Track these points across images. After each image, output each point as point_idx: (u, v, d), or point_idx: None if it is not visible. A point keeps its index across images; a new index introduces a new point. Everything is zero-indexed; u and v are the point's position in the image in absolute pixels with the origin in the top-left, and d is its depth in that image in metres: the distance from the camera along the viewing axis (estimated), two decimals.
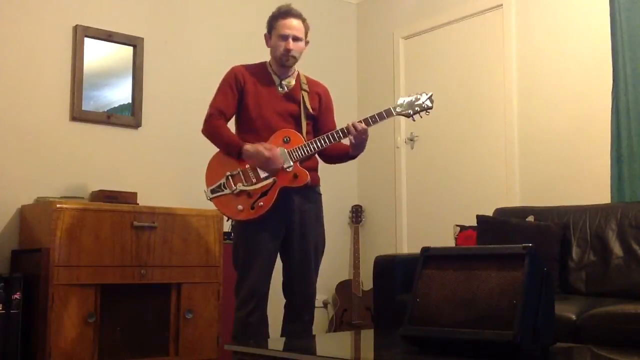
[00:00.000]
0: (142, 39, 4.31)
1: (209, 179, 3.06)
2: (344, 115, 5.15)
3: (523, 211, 3.75)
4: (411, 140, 4.94)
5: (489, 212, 3.83)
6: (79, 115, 4.05)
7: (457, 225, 3.90)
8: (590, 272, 3.37)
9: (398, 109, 3.10)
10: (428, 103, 3.11)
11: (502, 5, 4.45)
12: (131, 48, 4.27)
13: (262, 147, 3.00)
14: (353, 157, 3.24)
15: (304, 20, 3.18)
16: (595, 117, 3.90)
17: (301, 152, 3.05)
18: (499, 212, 3.85)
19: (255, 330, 3.03)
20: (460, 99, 4.66)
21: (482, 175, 4.49)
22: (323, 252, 3.25)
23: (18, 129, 3.86)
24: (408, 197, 4.98)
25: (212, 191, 3.03)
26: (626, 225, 3.35)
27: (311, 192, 3.17)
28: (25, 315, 3.42)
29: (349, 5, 5.45)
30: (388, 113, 3.08)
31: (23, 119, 3.89)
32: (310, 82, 3.27)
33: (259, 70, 3.19)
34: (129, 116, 4.24)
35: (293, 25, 3.12)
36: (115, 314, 3.60)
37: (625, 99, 3.68)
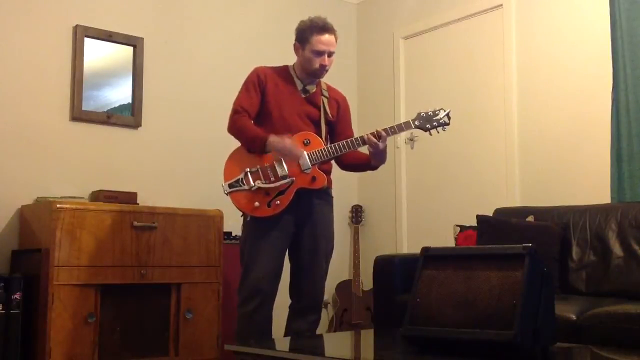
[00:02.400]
0: (142, 39, 4.31)
1: (227, 174, 3.07)
2: None
3: (523, 211, 3.75)
4: (411, 140, 4.94)
5: (489, 212, 3.83)
6: (79, 115, 4.05)
7: (457, 225, 3.90)
8: (590, 272, 3.37)
9: (417, 123, 3.14)
10: (446, 119, 3.16)
11: (502, 5, 4.45)
12: (131, 48, 4.27)
13: (287, 140, 3.02)
14: (374, 168, 3.27)
15: (336, 33, 3.21)
16: (595, 117, 3.90)
17: (320, 155, 3.08)
18: (499, 212, 3.85)
19: (257, 328, 3.04)
20: (460, 99, 4.65)
21: (482, 175, 4.49)
22: (332, 254, 3.29)
23: (18, 129, 3.86)
24: (408, 197, 4.98)
25: (230, 185, 3.04)
26: (626, 225, 3.35)
27: (325, 195, 3.22)
28: (25, 315, 3.41)
29: (349, 5, 5.45)
30: (407, 125, 3.14)
31: (23, 119, 3.89)
32: (330, 89, 3.32)
33: (281, 73, 3.23)
34: (129, 116, 4.24)
35: (330, 41, 3.17)
36: (115, 314, 3.60)
37: (625, 99, 3.69)
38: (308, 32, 3.16)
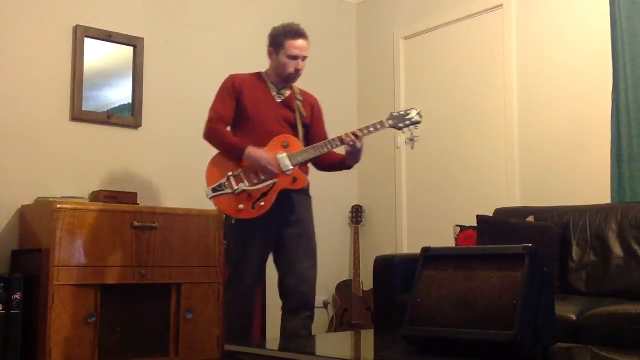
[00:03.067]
0: (142, 39, 4.31)
1: (210, 179, 3.15)
2: (344, 115, 5.18)
3: (523, 211, 3.75)
4: (411, 140, 4.94)
5: (489, 212, 3.83)
6: (79, 115, 4.05)
7: (457, 225, 3.90)
8: (590, 272, 3.37)
9: (390, 122, 3.27)
10: (417, 118, 3.28)
11: (502, 5, 4.45)
12: (131, 48, 4.27)
13: (264, 153, 3.13)
14: (349, 167, 3.39)
15: (308, 38, 3.30)
16: (595, 117, 3.90)
17: (300, 157, 3.18)
18: (499, 212, 3.85)
19: (243, 323, 3.20)
20: (460, 99, 4.66)
21: (482, 175, 4.49)
22: (316, 251, 3.33)
23: (18, 129, 3.86)
24: (408, 197, 4.98)
25: (213, 190, 3.12)
26: (626, 225, 3.35)
27: (303, 195, 3.30)
28: (25, 315, 3.41)
29: (349, 5, 5.45)
30: (381, 125, 3.25)
31: (23, 119, 3.89)
32: (302, 93, 3.42)
33: (255, 79, 3.34)
34: (129, 116, 4.24)
35: (303, 46, 3.26)
36: (115, 314, 3.60)
37: (625, 99, 3.68)
38: (282, 37, 3.25)
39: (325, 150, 3.20)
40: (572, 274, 3.42)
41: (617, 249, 3.33)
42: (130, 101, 4.25)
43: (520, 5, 4.37)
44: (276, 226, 3.21)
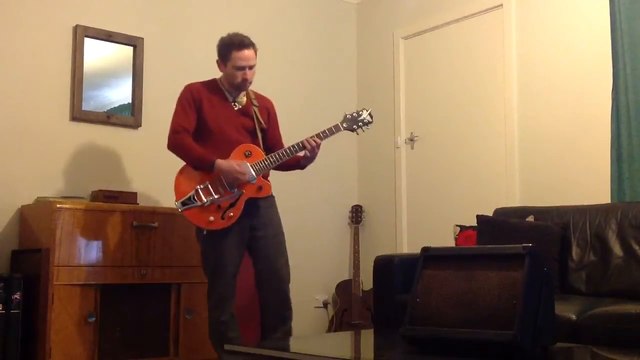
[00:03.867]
0: (142, 39, 4.31)
1: (178, 192, 3.23)
2: (344, 115, 5.17)
3: (523, 211, 3.75)
4: (411, 140, 4.94)
5: (489, 212, 3.83)
6: (79, 115, 4.05)
7: (457, 225, 3.90)
8: (590, 272, 3.37)
9: (345, 125, 3.42)
10: (368, 118, 3.44)
11: (502, 5, 4.45)
12: (131, 48, 4.27)
13: (234, 163, 3.22)
14: (302, 167, 3.50)
15: (254, 46, 3.36)
16: (595, 117, 3.90)
17: (264, 166, 3.29)
18: (499, 212, 3.85)
19: (228, 327, 3.27)
20: (460, 99, 4.66)
21: (482, 175, 4.49)
22: (285, 248, 3.43)
23: (18, 129, 3.86)
24: (408, 197, 4.98)
25: (183, 203, 3.20)
26: (626, 225, 3.34)
27: (269, 198, 3.39)
28: (25, 315, 3.41)
29: (349, 5, 5.45)
30: (337, 128, 3.39)
31: (23, 119, 3.88)
32: (258, 97, 3.50)
33: (212, 88, 3.41)
34: (129, 116, 4.24)
35: (250, 56, 3.33)
36: (115, 314, 3.60)
37: (625, 99, 3.68)
38: (227, 48, 3.33)
39: (287, 157, 3.31)
40: (572, 274, 3.42)
41: (617, 249, 3.33)
42: (130, 101, 4.25)
43: (520, 5, 4.37)
44: (246, 232, 3.30)
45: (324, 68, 5.11)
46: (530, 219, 3.63)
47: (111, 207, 3.65)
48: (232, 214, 3.21)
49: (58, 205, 3.47)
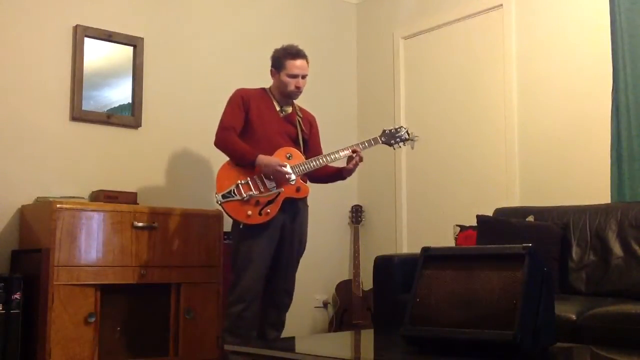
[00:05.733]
0: (142, 39, 4.30)
1: (220, 185, 3.33)
2: (344, 116, 5.19)
3: (523, 211, 3.75)
4: (411, 140, 4.93)
5: (489, 212, 3.83)
6: (79, 115, 4.05)
7: (457, 225, 3.90)
8: (590, 272, 3.37)
9: (383, 139, 3.65)
10: (406, 136, 3.69)
11: (502, 5, 4.45)
12: (131, 48, 4.27)
13: (275, 158, 3.37)
14: (343, 178, 3.67)
15: (307, 58, 3.58)
16: (595, 117, 3.90)
17: (303, 168, 3.44)
18: (499, 212, 3.85)
19: (249, 324, 3.35)
20: (460, 99, 4.66)
21: (482, 175, 4.49)
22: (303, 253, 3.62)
23: (18, 129, 3.86)
24: (408, 197, 4.98)
25: (224, 196, 3.30)
26: (626, 225, 3.35)
27: (303, 203, 3.53)
28: (25, 315, 3.41)
29: (349, 5, 5.45)
30: (375, 141, 3.62)
31: (23, 119, 3.88)
32: (302, 110, 3.68)
33: (260, 95, 3.58)
34: (129, 116, 4.24)
35: (303, 66, 3.55)
36: (115, 314, 3.61)
37: (625, 99, 3.68)
38: (283, 58, 3.53)
39: (326, 162, 3.48)
40: (572, 274, 3.42)
41: (617, 249, 3.33)
42: (130, 101, 4.25)
43: (520, 5, 4.37)
44: (278, 232, 3.41)
45: (324, 68, 5.10)
46: (530, 219, 3.63)
47: (111, 207, 3.65)
48: (269, 210, 3.33)
49: (58, 205, 3.47)
